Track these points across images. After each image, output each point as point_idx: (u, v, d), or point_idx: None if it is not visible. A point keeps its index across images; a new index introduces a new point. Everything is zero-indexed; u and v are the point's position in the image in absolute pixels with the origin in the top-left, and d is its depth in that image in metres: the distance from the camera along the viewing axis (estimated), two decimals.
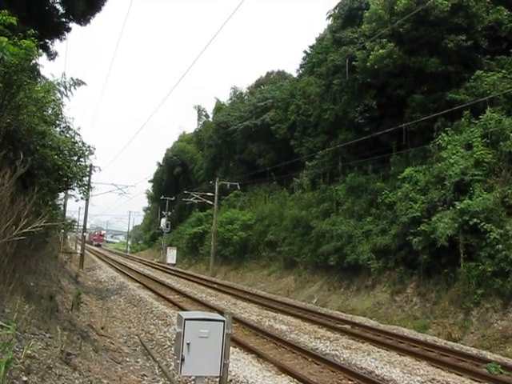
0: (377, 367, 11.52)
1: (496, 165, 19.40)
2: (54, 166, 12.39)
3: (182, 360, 5.95)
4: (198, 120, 73.22)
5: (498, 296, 16.62)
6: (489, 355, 13.68)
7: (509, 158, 19.05)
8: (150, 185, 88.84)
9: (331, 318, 19.55)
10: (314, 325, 17.61)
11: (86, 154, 15.66)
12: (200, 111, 72.31)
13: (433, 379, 10.75)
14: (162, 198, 64.34)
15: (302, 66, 47.73)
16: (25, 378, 5.11)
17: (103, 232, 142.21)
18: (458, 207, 18.54)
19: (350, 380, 10.57)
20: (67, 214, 47.86)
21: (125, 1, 30.17)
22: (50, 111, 13.15)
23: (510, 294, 16.21)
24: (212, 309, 19.19)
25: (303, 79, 42.07)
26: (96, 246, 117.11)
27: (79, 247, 46.76)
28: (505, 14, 23.93)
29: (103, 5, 21.24)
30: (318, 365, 11.84)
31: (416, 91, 25.10)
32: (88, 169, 17.96)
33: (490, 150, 19.68)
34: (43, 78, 15.26)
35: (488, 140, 19.97)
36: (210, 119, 67.92)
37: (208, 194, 46.34)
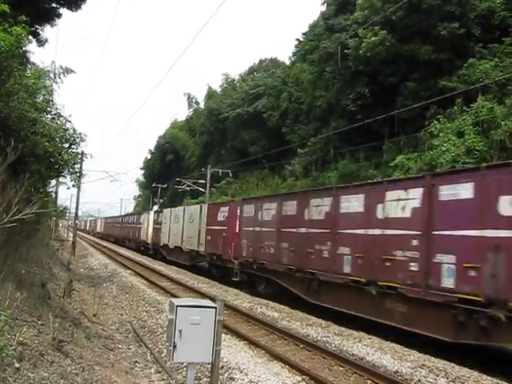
0: (368, 353, 11.59)
1: (487, 153, 19.48)
2: (45, 153, 12.31)
3: (174, 347, 5.98)
4: (189, 107, 72.92)
5: None
6: None
7: (500, 146, 19.13)
8: (141, 173, 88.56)
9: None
10: (306, 312, 17.69)
11: (78, 141, 15.58)
12: (190, 99, 71.93)
13: (423, 365, 10.84)
14: (154, 185, 64.06)
15: (294, 54, 47.65)
16: (17, 365, 5.13)
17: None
18: None
19: (341, 366, 10.65)
20: (59, 202, 47.53)
21: None
22: (40, 98, 13.05)
23: None
24: (204, 296, 19.25)
25: (296, 66, 41.99)
26: None
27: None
28: (497, 2, 23.93)
29: None
30: (309, 351, 11.91)
31: (408, 79, 25.12)
32: (79, 156, 17.83)
33: (482, 138, 19.76)
34: (33, 64, 15.17)
35: (480, 128, 20.04)
36: (202, 106, 67.60)
37: (200, 181, 46.21)
